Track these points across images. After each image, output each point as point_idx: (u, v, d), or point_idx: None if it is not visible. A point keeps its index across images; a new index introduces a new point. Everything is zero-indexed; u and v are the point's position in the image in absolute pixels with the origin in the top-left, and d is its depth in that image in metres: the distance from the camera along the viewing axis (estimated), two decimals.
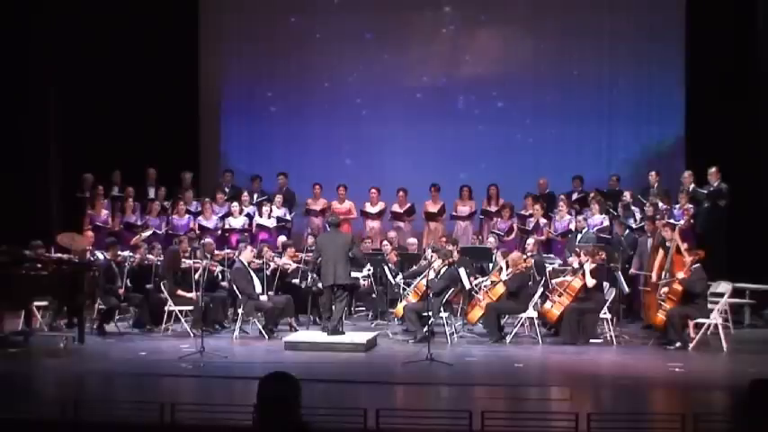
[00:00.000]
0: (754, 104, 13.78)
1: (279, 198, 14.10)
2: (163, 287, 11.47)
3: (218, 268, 12.11)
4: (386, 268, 12.09)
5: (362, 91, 15.56)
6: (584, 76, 15.03)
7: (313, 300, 11.89)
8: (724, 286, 11.25)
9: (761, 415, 3.87)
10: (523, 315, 11.18)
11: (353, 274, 11.58)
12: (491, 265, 12.37)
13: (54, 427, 6.72)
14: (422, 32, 15.60)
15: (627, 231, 12.67)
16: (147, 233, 13.12)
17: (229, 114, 15.82)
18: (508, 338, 11.01)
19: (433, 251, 11.63)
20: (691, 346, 10.40)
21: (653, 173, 13.47)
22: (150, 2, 14.82)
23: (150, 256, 12.20)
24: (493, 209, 13.97)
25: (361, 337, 10.73)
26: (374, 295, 12.57)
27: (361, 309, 13.04)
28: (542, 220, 13.39)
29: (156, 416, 6.70)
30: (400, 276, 12.01)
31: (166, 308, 11.42)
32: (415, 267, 12.18)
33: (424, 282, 10.82)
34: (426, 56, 15.55)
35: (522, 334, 11.30)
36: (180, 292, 11.44)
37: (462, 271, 11.32)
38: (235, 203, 13.85)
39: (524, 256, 11.48)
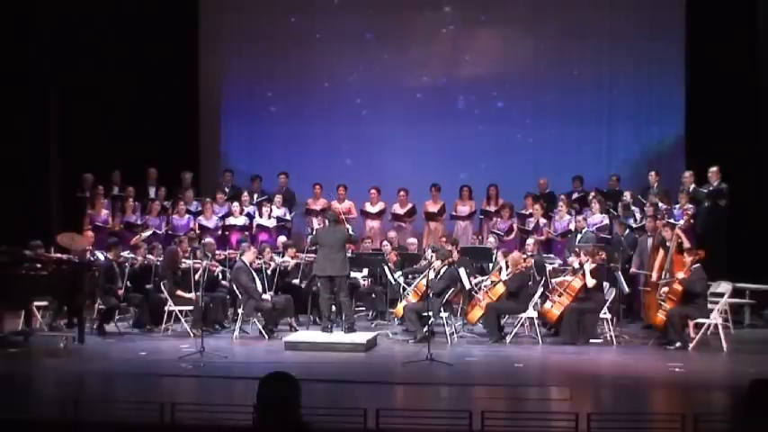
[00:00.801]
0: (754, 104, 13.78)
1: (279, 198, 14.10)
2: (163, 287, 11.47)
3: (219, 268, 12.11)
4: (386, 268, 12.10)
5: (362, 91, 15.55)
6: (584, 76, 15.02)
7: (313, 300, 11.90)
8: (724, 286, 11.24)
9: (761, 415, 3.87)
10: (523, 315, 11.18)
11: (354, 275, 11.57)
12: (491, 265, 12.37)
13: (54, 427, 6.72)
14: (422, 32, 15.58)
15: (627, 231, 12.68)
16: (148, 233, 13.12)
17: (229, 114, 15.82)
18: (508, 338, 11.01)
19: (432, 251, 11.63)
20: (691, 346, 10.40)
21: (653, 173, 13.47)
22: (150, 2, 14.82)
23: (150, 257, 12.20)
24: (493, 209, 13.96)
25: (361, 337, 10.73)
26: (374, 295, 12.59)
27: (361, 309, 13.03)
28: (542, 220, 13.39)
29: (156, 416, 6.70)
30: (399, 273, 12.02)
31: (166, 308, 11.42)
32: (415, 266, 12.20)
33: (424, 282, 10.82)
34: (426, 56, 15.54)
35: (522, 334, 11.30)
36: (179, 293, 11.44)
37: (462, 271, 11.32)
38: (235, 203, 13.85)
39: (524, 256, 11.49)
